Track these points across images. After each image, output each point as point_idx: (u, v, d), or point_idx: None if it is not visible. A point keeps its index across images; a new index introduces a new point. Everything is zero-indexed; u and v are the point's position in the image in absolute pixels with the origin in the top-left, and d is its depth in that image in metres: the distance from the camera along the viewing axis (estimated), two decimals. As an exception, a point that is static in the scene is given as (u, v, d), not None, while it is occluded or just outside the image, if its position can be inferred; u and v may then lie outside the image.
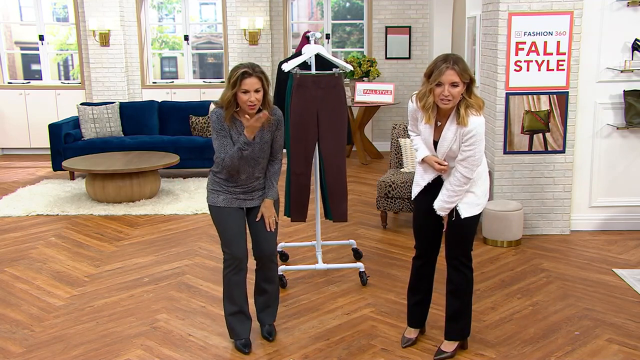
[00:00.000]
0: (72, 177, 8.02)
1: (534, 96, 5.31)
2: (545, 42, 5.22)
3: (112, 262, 5.05)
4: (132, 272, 4.80)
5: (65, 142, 8.03)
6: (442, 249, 3.48)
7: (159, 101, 8.82)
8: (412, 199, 3.49)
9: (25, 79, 10.45)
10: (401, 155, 6.17)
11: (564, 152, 5.41)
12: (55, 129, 7.99)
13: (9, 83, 9.99)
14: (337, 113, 4.35)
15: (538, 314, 3.99)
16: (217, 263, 4.94)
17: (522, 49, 5.24)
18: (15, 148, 9.96)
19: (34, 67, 10.62)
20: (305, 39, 4.71)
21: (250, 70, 3.25)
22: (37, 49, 10.02)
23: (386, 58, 9.85)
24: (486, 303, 4.15)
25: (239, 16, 9.57)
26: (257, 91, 3.27)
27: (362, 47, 10.07)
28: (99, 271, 4.85)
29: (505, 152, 5.44)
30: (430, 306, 3.70)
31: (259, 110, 3.35)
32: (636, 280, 4.46)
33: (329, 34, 9.98)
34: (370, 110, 9.04)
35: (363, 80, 9.21)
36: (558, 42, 5.22)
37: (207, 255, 5.18)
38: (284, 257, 4.98)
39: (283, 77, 4.45)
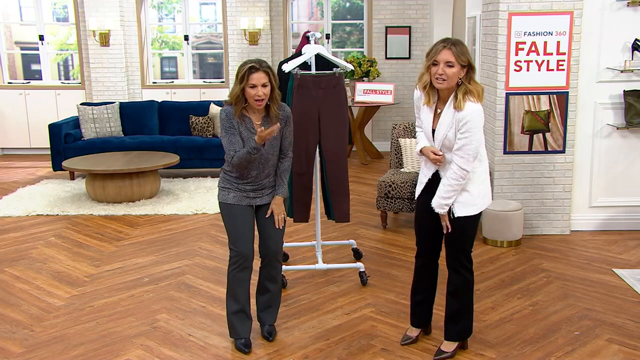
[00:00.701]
0: (72, 177, 8.02)
1: (534, 96, 5.31)
2: (545, 42, 5.22)
3: (112, 262, 5.05)
4: (132, 272, 4.81)
5: (65, 142, 8.03)
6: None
7: (159, 101, 8.81)
8: (415, 198, 3.49)
9: (25, 79, 10.45)
10: (401, 155, 6.17)
11: (564, 152, 5.41)
12: (55, 129, 7.99)
13: (9, 83, 9.99)
14: (338, 113, 4.35)
15: (538, 314, 3.99)
16: (217, 263, 4.94)
17: (522, 49, 5.24)
18: (15, 148, 9.95)
19: (34, 67, 10.62)
20: (305, 39, 4.71)
21: (258, 65, 3.32)
22: (37, 49, 10.02)
23: (386, 58, 9.85)
24: (486, 303, 4.15)
25: (239, 16, 9.57)
26: (264, 86, 3.33)
27: (362, 47, 10.07)
28: (99, 271, 4.85)
29: (505, 152, 5.44)
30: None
31: (267, 106, 3.41)
32: (636, 280, 4.47)
33: (329, 34, 9.98)
34: (370, 110, 9.04)
35: (363, 80, 9.21)
36: (558, 42, 5.22)
37: (207, 255, 5.18)
38: (284, 257, 4.98)
39: (284, 77, 4.46)
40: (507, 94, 5.34)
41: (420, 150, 3.33)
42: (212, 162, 7.98)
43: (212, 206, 6.56)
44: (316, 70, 4.45)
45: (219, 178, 3.61)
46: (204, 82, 10.22)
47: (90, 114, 8.27)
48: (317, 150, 4.44)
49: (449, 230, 3.30)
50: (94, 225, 6.08)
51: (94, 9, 9.42)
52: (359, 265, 4.64)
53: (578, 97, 5.38)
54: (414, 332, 3.66)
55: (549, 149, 5.40)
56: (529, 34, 5.21)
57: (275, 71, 3.62)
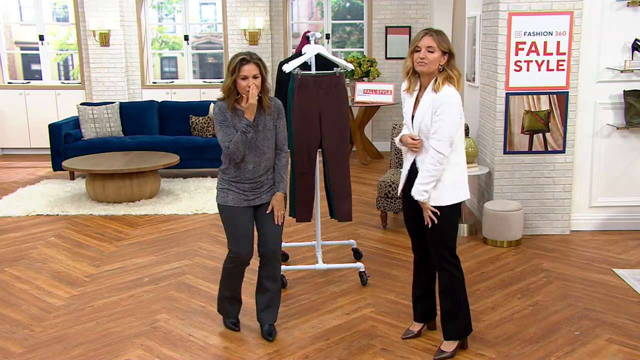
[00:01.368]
0: (72, 177, 8.02)
1: (534, 96, 5.32)
2: (545, 42, 5.22)
3: (112, 262, 5.05)
4: (132, 272, 4.81)
5: (65, 142, 8.03)
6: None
7: (159, 101, 8.81)
8: (398, 193, 3.53)
9: (25, 79, 10.45)
10: (401, 155, 6.15)
11: (564, 152, 5.41)
12: (55, 129, 7.99)
13: (9, 83, 9.99)
14: (339, 112, 4.36)
15: (538, 314, 3.99)
16: (217, 263, 4.94)
17: (522, 49, 5.24)
18: (15, 148, 9.96)
19: (34, 67, 10.62)
20: (305, 39, 4.70)
21: (248, 57, 3.39)
22: (37, 49, 10.02)
23: (386, 58, 9.85)
24: (486, 303, 4.15)
25: (239, 16, 9.58)
26: (255, 77, 3.39)
27: (362, 47, 10.08)
28: (99, 271, 4.85)
29: (505, 152, 5.44)
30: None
31: (260, 99, 3.47)
32: (636, 280, 4.47)
33: (329, 34, 9.98)
34: (370, 110, 9.05)
35: (363, 80, 9.21)
36: (558, 42, 5.22)
37: (207, 255, 5.18)
38: (284, 257, 4.97)
39: (284, 77, 4.46)
40: (507, 94, 5.34)
41: (400, 139, 3.39)
42: (212, 162, 7.98)
43: (212, 206, 6.56)
44: (316, 70, 4.45)
45: (217, 180, 3.63)
46: (204, 82, 10.22)
47: (90, 114, 8.27)
48: (319, 150, 4.44)
49: (434, 222, 3.29)
50: (94, 225, 6.08)
51: (94, 9, 9.42)
52: (359, 265, 4.64)
53: (578, 97, 5.38)
54: (416, 326, 3.67)
55: (549, 149, 5.40)
56: (529, 34, 5.22)
57: (269, 75, 3.65)
